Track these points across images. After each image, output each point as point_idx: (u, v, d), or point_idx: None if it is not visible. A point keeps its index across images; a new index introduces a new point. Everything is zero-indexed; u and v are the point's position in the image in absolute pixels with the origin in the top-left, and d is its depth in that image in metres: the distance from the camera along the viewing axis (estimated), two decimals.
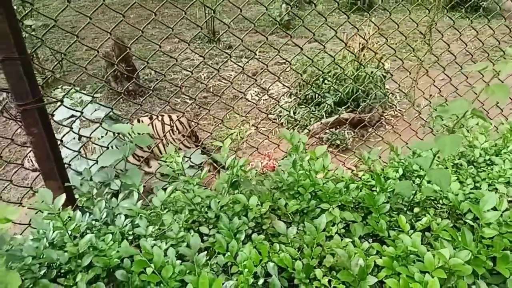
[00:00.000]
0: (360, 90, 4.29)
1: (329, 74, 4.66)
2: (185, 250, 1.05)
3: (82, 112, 1.50)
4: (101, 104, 1.83)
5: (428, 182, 1.42)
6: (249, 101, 4.09)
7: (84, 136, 1.55)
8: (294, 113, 4.72)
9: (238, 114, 4.80)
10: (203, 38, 6.77)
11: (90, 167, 1.51)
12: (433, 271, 0.95)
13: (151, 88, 5.21)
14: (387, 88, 4.74)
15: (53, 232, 1.14)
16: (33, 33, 4.57)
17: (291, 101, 5.03)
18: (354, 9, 7.70)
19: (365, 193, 1.25)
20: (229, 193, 1.32)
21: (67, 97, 1.56)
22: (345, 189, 1.27)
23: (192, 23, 7.16)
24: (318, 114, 4.56)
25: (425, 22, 4.72)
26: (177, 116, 3.04)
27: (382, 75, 4.62)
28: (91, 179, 1.33)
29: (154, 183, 1.84)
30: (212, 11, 6.87)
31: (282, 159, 1.51)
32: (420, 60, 2.50)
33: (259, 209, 1.18)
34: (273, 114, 4.94)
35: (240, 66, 1.87)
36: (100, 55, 4.85)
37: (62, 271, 1.11)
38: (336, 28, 1.99)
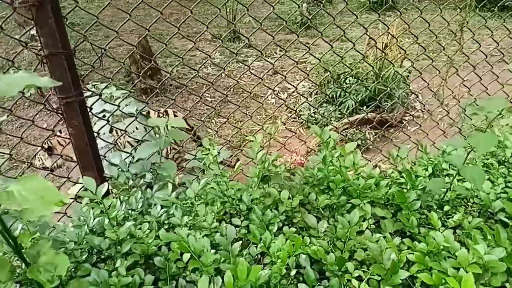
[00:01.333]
0: (382, 90, 4.26)
1: (351, 73, 4.64)
2: (221, 239, 1.09)
3: (119, 106, 1.56)
4: (135, 98, 1.89)
5: (459, 180, 1.42)
6: (279, 98, 4.10)
7: (120, 129, 1.61)
8: (315, 112, 4.72)
9: (264, 111, 4.83)
10: (224, 37, 6.82)
11: (124, 159, 1.57)
12: (467, 267, 0.96)
13: (182, 85, 5.30)
14: (410, 88, 4.68)
15: (94, 219, 1.19)
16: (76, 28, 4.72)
17: (312, 100, 5.03)
18: (380, 9, 7.62)
19: (396, 190, 1.26)
20: (259, 187, 1.35)
21: (97, 92, 1.62)
22: (375, 186, 1.28)
23: (213, 22, 7.23)
24: (339, 113, 4.55)
25: (454, 21, 4.63)
26: (173, 111, 3.13)
27: (405, 74, 4.57)
28: (127, 171, 1.38)
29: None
30: (232, 10, 6.92)
31: (306, 155, 1.54)
32: (450, 59, 2.47)
33: (290, 202, 1.21)
34: (293, 114, 4.95)
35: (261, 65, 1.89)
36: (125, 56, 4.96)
37: (102, 256, 1.16)
38: (356, 27, 1.99)
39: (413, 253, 1.06)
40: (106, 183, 1.12)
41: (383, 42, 4.51)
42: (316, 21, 7.32)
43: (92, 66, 1.38)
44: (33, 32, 5.43)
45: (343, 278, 1.03)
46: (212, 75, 6.02)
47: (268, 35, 7.42)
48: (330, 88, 4.72)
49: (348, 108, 4.53)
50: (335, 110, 4.61)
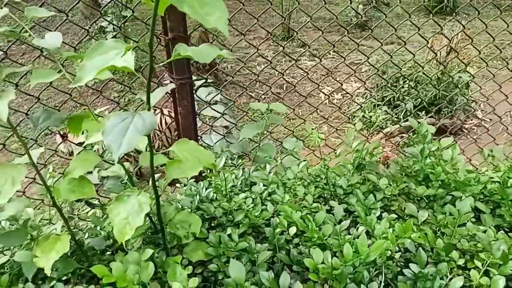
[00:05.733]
0: (443, 95, 4.15)
1: (410, 76, 4.56)
2: (330, 217, 1.15)
3: (220, 90, 1.68)
4: (215, 88, 2.01)
5: None
6: (332, 99, 4.13)
7: (219, 113, 1.72)
8: (370, 115, 4.69)
9: (317, 113, 4.86)
10: (278, 36, 6.91)
11: (216, 142, 1.68)
12: None
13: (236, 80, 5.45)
14: (472, 96, 4.52)
15: (205, 190, 1.30)
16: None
17: (366, 102, 4.99)
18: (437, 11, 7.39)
19: (497, 186, 1.26)
20: (353, 174, 1.40)
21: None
22: (475, 181, 1.30)
23: (267, 21, 7.34)
24: (396, 117, 4.48)
25: None
26: (168, 111, 3.29)
27: (467, 81, 4.43)
28: (228, 151, 1.48)
29: None
30: (287, 10, 6.99)
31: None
32: None
33: (391, 190, 1.25)
34: (347, 114, 4.94)
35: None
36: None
37: (212, 224, 1.26)
38: (416, 30, 1.98)
39: None
40: (223, 157, 1.22)
41: (447, 46, 4.40)
42: (372, 23, 7.22)
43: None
44: (103, 23, 5.79)
45: (450, 263, 1.06)
46: (265, 72, 6.13)
47: (322, 36, 7.42)
48: (387, 91, 4.67)
49: (405, 112, 4.45)
50: (391, 114, 4.55)
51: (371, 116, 4.62)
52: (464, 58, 4.50)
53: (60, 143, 3.24)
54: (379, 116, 4.55)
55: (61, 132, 3.24)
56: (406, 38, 2.09)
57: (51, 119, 1.02)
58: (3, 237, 1.04)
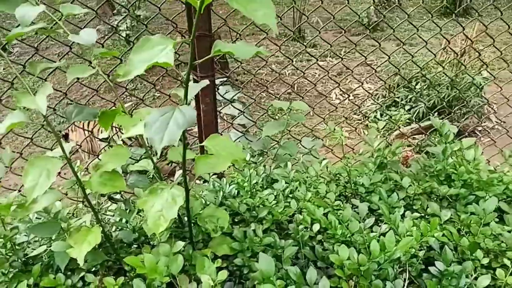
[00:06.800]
0: (456, 97, 4.13)
1: (422, 78, 4.54)
2: (354, 215, 1.16)
3: (242, 88, 1.70)
4: (237, 86, 2.03)
5: None
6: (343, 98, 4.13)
7: (240, 110, 1.74)
8: (382, 115, 4.67)
9: (328, 111, 4.86)
10: (289, 36, 6.91)
11: (236, 140, 1.70)
12: None
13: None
14: (486, 98, 4.49)
15: (229, 186, 1.32)
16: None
17: (379, 102, 4.98)
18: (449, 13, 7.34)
19: None
20: (375, 173, 1.41)
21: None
22: (498, 181, 1.30)
23: (280, 21, 7.34)
24: (408, 118, 4.46)
25: None
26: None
27: (482, 83, 4.40)
28: (249, 147, 1.50)
29: None
30: (299, 10, 6.99)
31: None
32: None
33: (414, 189, 1.26)
34: (358, 115, 4.93)
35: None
36: None
37: (236, 220, 1.28)
38: (427, 32, 1.98)
39: None
40: (247, 154, 1.24)
41: (461, 47, 4.37)
42: (384, 23, 7.19)
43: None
44: (116, 23, 5.85)
45: (475, 262, 1.06)
46: (276, 72, 6.14)
47: (333, 36, 7.41)
48: (399, 92, 4.65)
49: (418, 114, 4.44)
50: (403, 114, 4.53)
51: (382, 115, 4.61)
52: (478, 60, 4.47)
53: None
54: (391, 117, 4.53)
55: (63, 132, 3.38)
56: (417, 39, 2.09)
57: (84, 113, 1.05)
58: (36, 228, 1.06)
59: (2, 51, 1.05)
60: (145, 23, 1.49)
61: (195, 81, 1.50)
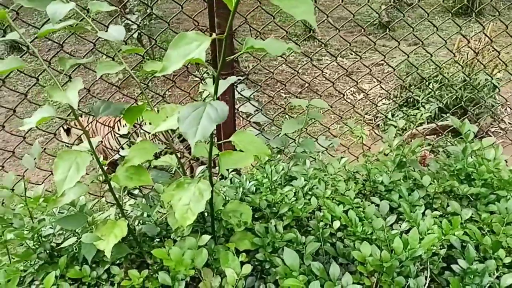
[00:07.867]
0: (470, 97, 4.09)
1: (435, 78, 4.51)
2: (375, 212, 1.17)
3: (260, 86, 1.71)
4: (253, 81, 2.04)
5: None
6: (354, 98, 4.12)
7: (257, 108, 1.76)
8: (393, 115, 4.65)
9: (338, 111, 4.85)
10: (299, 36, 6.91)
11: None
12: None
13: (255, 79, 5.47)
14: (500, 98, 4.45)
15: (249, 182, 1.33)
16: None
17: (390, 103, 4.96)
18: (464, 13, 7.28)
19: None
20: (394, 171, 1.41)
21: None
22: None
23: (288, 21, 7.35)
24: (420, 118, 4.43)
25: None
26: None
27: (495, 84, 4.35)
28: (267, 144, 1.51)
29: None
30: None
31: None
32: None
33: (434, 187, 1.26)
34: (370, 115, 4.92)
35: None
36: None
37: (256, 216, 1.29)
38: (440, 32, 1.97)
39: None
40: (268, 151, 1.25)
41: (475, 48, 4.33)
42: (395, 24, 7.15)
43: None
44: (133, 19, 5.90)
45: (497, 261, 1.06)
46: (286, 72, 6.14)
47: (344, 35, 7.39)
48: (412, 92, 4.63)
49: (429, 114, 4.40)
50: (415, 115, 4.50)
51: (393, 116, 4.59)
52: (491, 60, 4.43)
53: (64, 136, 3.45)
54: (403, 117, 4.51)
55: (65, 127, 3.43)
56: (429, 40, 2.08)
57: (111, 109, 1.07)
58: (63, 221, 1.09)
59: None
60: (168, 21, 1.51)
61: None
